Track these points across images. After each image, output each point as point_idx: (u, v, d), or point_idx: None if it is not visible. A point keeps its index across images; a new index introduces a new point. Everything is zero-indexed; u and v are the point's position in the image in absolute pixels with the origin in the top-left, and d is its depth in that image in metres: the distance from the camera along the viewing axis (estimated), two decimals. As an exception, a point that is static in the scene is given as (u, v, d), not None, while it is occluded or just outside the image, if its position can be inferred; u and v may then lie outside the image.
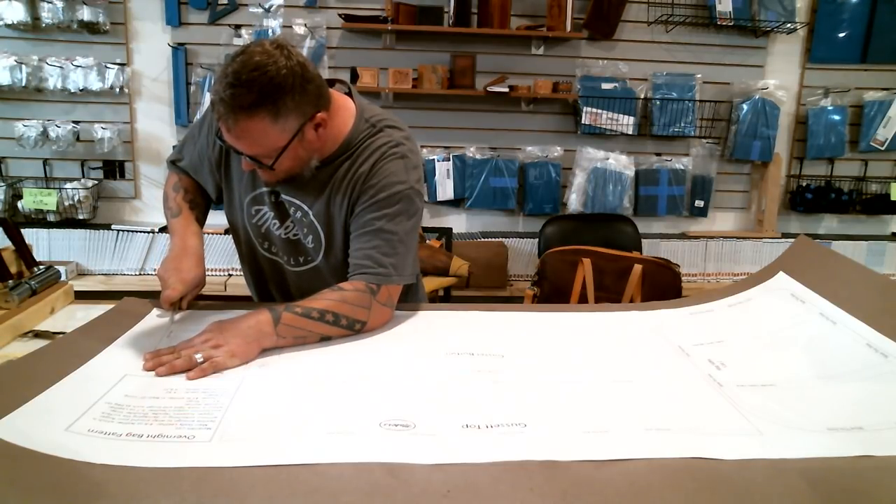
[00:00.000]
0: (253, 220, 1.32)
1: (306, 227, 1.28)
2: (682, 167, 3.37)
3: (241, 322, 1.05)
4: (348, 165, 1.23)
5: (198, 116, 3.08)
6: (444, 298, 2.75)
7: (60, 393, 0.86)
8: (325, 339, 1.12)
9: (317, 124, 1.14)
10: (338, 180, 1.23)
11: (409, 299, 1.39)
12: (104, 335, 1.08)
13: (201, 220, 1.38)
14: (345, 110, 1.24)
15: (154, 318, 1.19)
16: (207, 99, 3.06)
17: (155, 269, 2.94)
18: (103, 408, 0.82)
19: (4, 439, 0.72)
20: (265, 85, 1.04)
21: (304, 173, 1.21)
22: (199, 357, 0.97)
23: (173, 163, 1.41)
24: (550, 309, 1.38)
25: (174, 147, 1.42)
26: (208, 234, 2.93)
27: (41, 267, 1.40)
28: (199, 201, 1.38)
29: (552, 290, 2.45)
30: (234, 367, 0.99)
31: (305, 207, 1.26)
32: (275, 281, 1.39)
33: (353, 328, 1.15)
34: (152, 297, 1.29)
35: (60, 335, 1.16)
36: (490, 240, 3.24)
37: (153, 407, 0.83)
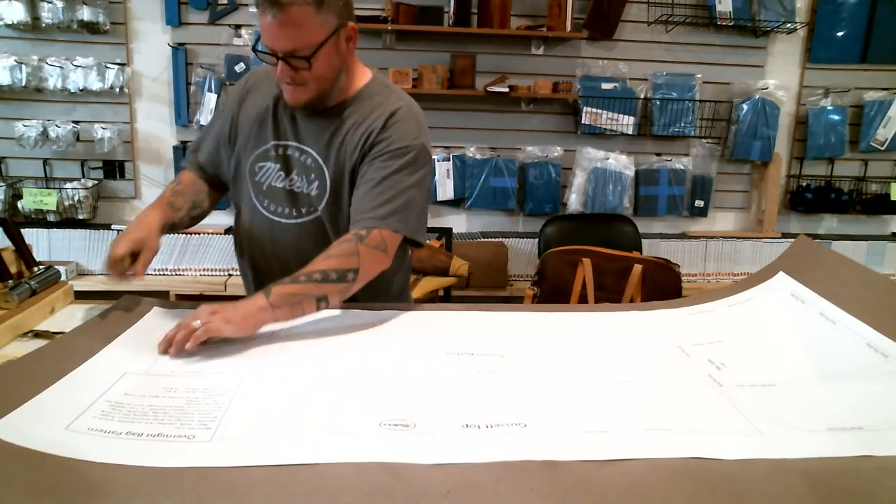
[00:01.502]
0: (256, 179, 1.34)
1: (313, 173, 1.30)
2: (682, 167, 3.37)
3: (237, 302, 1.11)
4: (361, 116, 1.29)
5: (197, 116, 3.08)
6: (444, 298, 2.75)
7: (60, 392, 0.86)
8: (323, 302, 1.14)
9: (348, 36, 1.22)
10: (351, 129, 1.28)
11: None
12: (104, 334, 1.07)
13: (186, 212, 1.37)
14: (363, 68, 1.35)
15: (154, 316, 1.19)
16: (207, 99, 3.06)
17: (155, 270, 2.97)
18: (103, 406, 0.82)
19: (4, 439, 0.72)
20: None
21: (327, 101, 1.27)
22: (196, 323, 1.02)
23: (192, 152, 1.44)
24: (550, 309, 1.38)
25: (188, 144, 1.46)
26: (208, 234, 2.94)
27: (41, 267, 1.40)
28: (188, 191, 1.39)
29: (552, 290, 2.45)
30: (228, 335, 1.04)
31: (314, 153, 1.30)
32: (274, 245, 1.36)
33: (347, 279, 1.16)
34: (152, 296, 1.29)
35: (60, 335, 1.16)
36: (490, 240, 3.24)
37: (153, 406, 0.83)
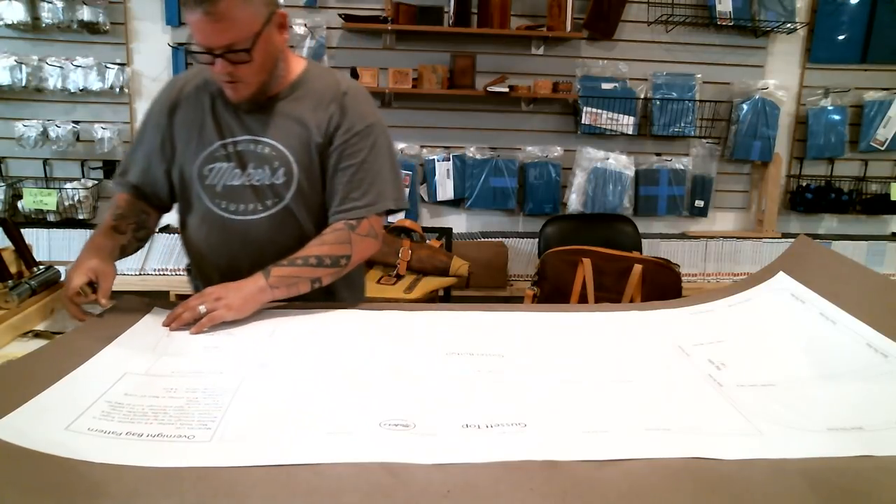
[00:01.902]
0: (207, 183, 1.32)
1: (276, 161, 1.30)
2: (682, 167, 3.37)
3: (239, 282, 1.18)
4: (313, 98, 1.31)
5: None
6: (444, 298, 2.75)
7: (60, 392, 0.86)
8: (317, 283, 1.24)
9: (280, 23, 1.23)
10: (307, 111, 1.30)
11: (349, 291, 1.44)
12: (104, 334, 1.08)
13: (131, 234, 1.36)
14: (296, 56, 1.37)
15: (154, 316, 1.19)
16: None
17: (155, 269, 2.97)
18: (103, 406, 0.82)
19: (4, 439, 0.72)
20: None
21: (268, 91, 1.27)
22: (202, 308, 1.11)
23: (120, 175, 1.40)
24: (550, 309, 1.38)
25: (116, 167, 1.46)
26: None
27: (41, 267, 1.40)
28: (129, 213, 1.37)
29: (552, 290, 2.44)
30: (230, 319, 1.13)
31: (272, 142, 1.30)
32: (243, 244, 1.34)
33: (340, 264, 1.27)
34: (152, 296, 1.29)
35: (60, 335, 1.16)
36: (490, 240, 3.24)
37: (153, 406, 0.83)
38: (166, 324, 1.12)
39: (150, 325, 1.15)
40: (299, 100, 1.32)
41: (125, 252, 1.35)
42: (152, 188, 1.38)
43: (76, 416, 0.79)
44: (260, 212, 1.32)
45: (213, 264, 1.38)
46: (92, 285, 1.20)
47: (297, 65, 1.35)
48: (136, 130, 1.42)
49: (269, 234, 1.33)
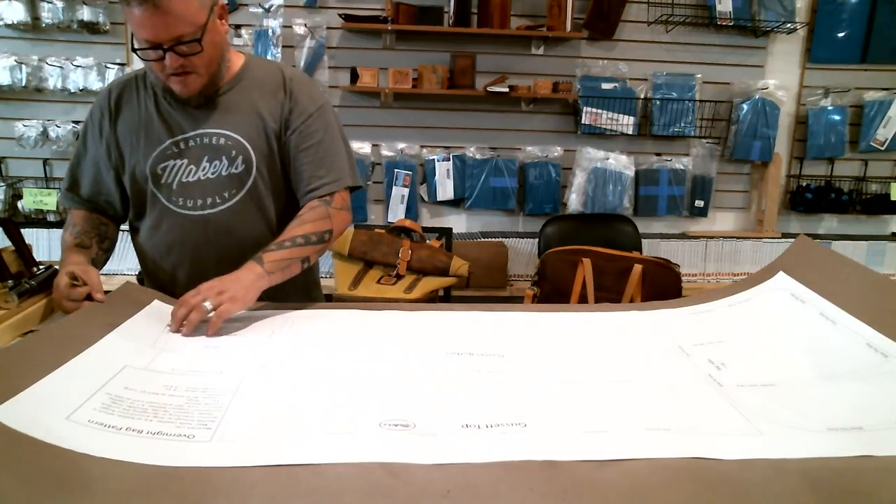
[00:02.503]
0: (162, 181, 1.31)
1: (234, 150, 1.31)
2: (682, 167, 3.37)
3: (235, 274, 1.17)
4: (259, 87, 1.34)
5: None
6: (444, 298, 2.75)
7: (61, 379, 0.86)
8: (306, 262, 1.27)
9: (220, 14, 1.25)
10: (257, 99, 1.33)
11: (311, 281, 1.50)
12: (105, 321, 1.07)
13: (96, 246, 1.36)
14: (234, 50, 1.38)
15: (154, 309, 1.19)
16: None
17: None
18: (103, 398, 0.82)
19: (5, 423, 0.72)
20: None
21: (217, 83, 1.29)
22: (208, 305, 1.09)
23: (68, 190, 1.39)
24: (550, 309, 1.38)
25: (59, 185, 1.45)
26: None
27: (41, 267, 1.40)
28: (89, 229, 1.36)
29: (552, 290, 2.44)
30: (237, 312, 1.13)
31: (228, 132, 1.31)
32: (206, 239, 1.34)
33: (324, 239, 1.30)
34: (153, 289, 1.29)
35: (60, 319, 1.15)
36: (490, 240, 3.24)
37: (153, 403, 0.83)
38: (175, 329, 1.09)
39: (151, 317, 1.15)
40: (245, 90, 1.34)
41: (95, 265, 1.32)
42: (105, 198, 1.38)
43: (76, 407, 0.79)
44: (219, 204, 1.32)
45: (176, 263, 1.37)
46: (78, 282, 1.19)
47: (238, 58, 1.37)
48: (75, 146, 1.40)
49: (232, 224, 1.34)
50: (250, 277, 1.17)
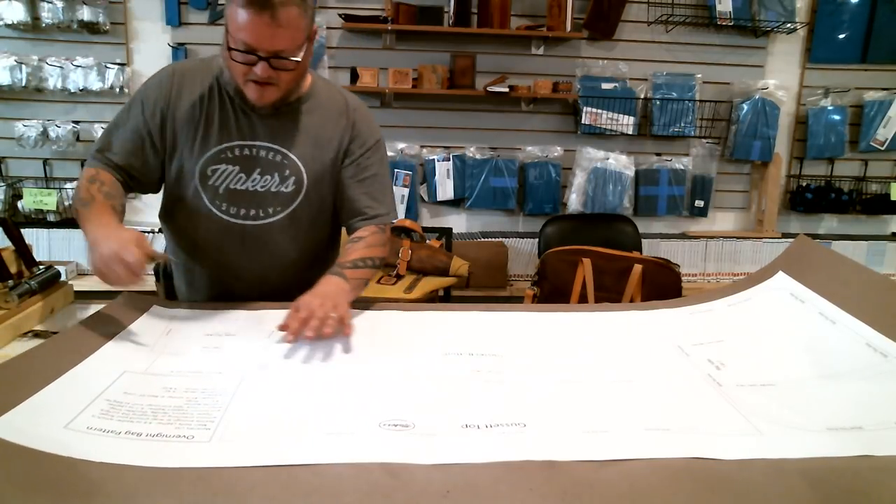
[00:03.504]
0: (210, 182, 1.30)
1: (287, 170, 1.31)
2: (682, 167, 3.37)
3: (326, 288, 1.18)
4: (322, 112, 1.34)
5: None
6: (444, 298, 2.75)
7: (59, 390, 0.86)
8: (366, 284, 1.32)
9: (310, 36, 1.22)
10: (319, 125, 1.33)
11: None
12: (103, 331, 1.07)
13: (120, 215, 1.25)
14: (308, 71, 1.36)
15: (153, 314, 1.19)
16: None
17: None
18: (102, 405, 0.82)
19: (3, 437, 0.72)
20: None
21: (289, 98, 1.29)
22: (334, 314, 1.09)
23: (99, 152, 1.29)
24: (550, 309, 1.38)
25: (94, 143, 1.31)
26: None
27: (41, 267, 1.40)
28: (116, 194, 1.26)
29: (552, 290, 2.44)
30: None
31: (285, 150, 1.30)
32: (242, 247, 1.34)
33: (378, 265, 1.34)
34: (151, 295, 1.29)
35: (58, 332, 1.15)
36: (490, 240, 3.24)
37: (152, 405, 0.83)
38: (308, 336, 1.06)
39: (149, 323, 1.15)
40: (311, 112, 1.33)
41: None
42: (140, 170, 1.30)
43: (75, 415, 0.79)
44: (261, 217, 1.33)
45: (206, 256, 1.37)
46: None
47: (308, 75, 1.35)
48: (122, 109, 1.33)
49: (267, 240, 1.34)
50: (339, 291, 1.19)
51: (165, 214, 1.40)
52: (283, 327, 1.09)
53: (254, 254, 1.34)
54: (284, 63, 1.17)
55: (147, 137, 1.29)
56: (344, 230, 1.44)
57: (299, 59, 1.18)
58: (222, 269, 1.37)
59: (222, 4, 3.07)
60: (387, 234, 1.39)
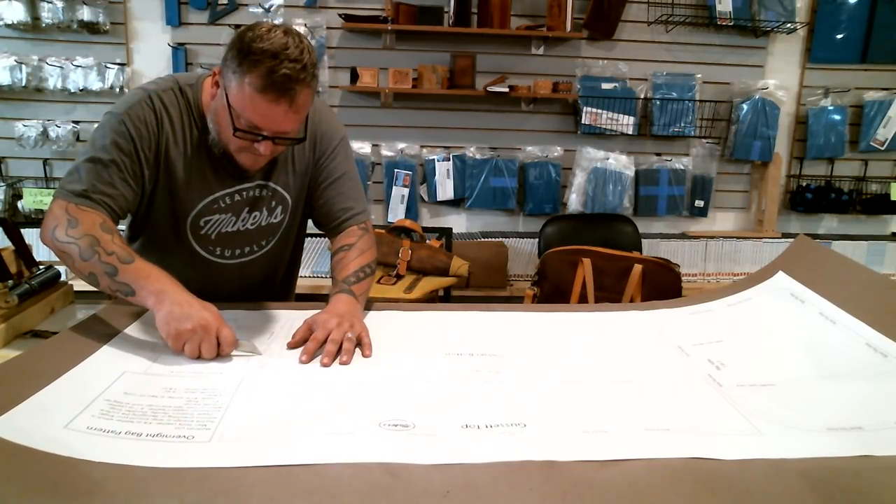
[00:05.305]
0: (201, 233, 1.27)
1: (274, 201, 1.31)
2: (682, 167, 3.37)
3: (338, 308, 1.14)
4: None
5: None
6: (444, 298, 2.75)
7: (59, 390, 0.86)
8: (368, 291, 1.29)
9: None
10: (290, 148, 1.28)
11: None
12: (103, 331, 1.08)
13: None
14: None
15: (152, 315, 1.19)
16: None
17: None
18: (102, 405, 0.82)
19: (4, 437, 0.72)
20: (311, 56, 1.08)
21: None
22: (350, 335, 1.06)
23: (86, 198, 1.12)
24: (550, 309, 1.38)
25: (69, 178, 1.15)
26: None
27: (41, 267, 1.40)
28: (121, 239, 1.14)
29: (552, 290, 2.44)
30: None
31: (271, 183, 1.30)
32: (220, 280, 1.32)
33: (375, 269, 1.34)
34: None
35: (58, 333, 1.15)
36: (490, 240, 3.24)
37: (152, 405, 0.83)
38: (325, 363, 1.00)
39: (149, 322, 1.15)
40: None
41: None
42: (126, 210, 1.20)
43: (75, 415, 0.79)
44: (256, 252, 1.35)
45: (187, 284, 1.11)
46: None
47: None
48: (97, 143, 1.20)
49: (263, 267, 1.38)
50: (351, 308, 1.16)
51: (133, 238, 1.31)
52: (294, 345, 1.06)
53: (246, 283, 1.38)
54: (288, 141, 1.15)
55: (140, 179, 1.19)
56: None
57: (304, 136, 1.18)
58: (209, 298, 1.13)
59: (222, 5, 3.07)
60: (371, 232, 1.37)
